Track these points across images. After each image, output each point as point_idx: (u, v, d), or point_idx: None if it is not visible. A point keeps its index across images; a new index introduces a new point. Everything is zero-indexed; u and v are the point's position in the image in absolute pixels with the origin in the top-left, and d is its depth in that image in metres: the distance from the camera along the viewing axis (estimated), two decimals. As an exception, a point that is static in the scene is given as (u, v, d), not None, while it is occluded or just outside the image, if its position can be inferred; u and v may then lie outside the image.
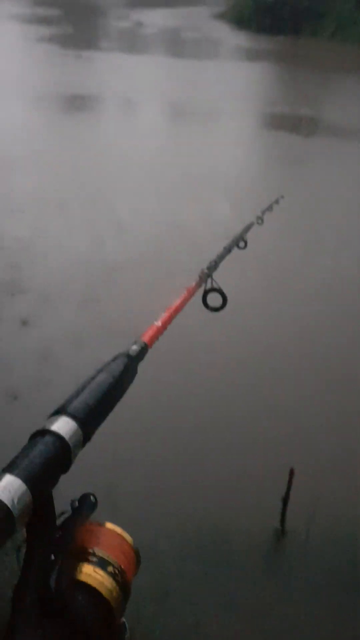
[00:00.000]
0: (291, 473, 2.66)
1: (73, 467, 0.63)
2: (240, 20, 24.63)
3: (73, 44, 17.16)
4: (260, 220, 2.15)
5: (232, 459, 3.11)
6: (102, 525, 0.69)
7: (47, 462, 0.60)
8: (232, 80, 14.09)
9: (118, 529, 0.70)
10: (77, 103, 10.93)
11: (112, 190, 6.77)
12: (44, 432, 0.62)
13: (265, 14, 23.30)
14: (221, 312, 1.26)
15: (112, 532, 0.69)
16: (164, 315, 1.01)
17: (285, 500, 2.69)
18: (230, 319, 2.91)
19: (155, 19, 25.60)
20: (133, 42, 18.92)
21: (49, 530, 0.62)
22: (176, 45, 19.41)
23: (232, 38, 21.67)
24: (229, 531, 2.71)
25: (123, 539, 0.69)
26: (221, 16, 27.42)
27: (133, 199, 6.53)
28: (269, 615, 2.43)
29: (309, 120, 10.62)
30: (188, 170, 7.50)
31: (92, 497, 0.69)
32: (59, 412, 0.66)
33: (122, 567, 0.66)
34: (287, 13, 22.82)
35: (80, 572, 0.63)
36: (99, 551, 0.66)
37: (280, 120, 10.61)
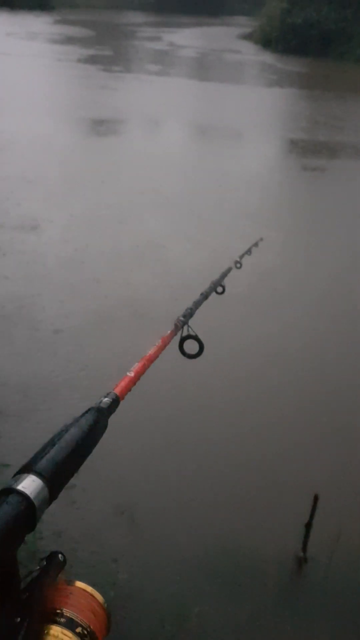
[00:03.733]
0: (315, 499, 2.61)
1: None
2: (267, 41, 24.92)
3: (112, 65, 17.33)
4: (238, 264, 2.12)
5: (254, 484, 3.05)
6: (71, 584, 0.67)
7: (11, 523, 0.58)
8: (259, 103, 14.16)
9: (88, 588, 0.67)
10: (110, 125, 11.00)
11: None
12: (9, 491, 0.61)
13: (292, 35, 23.52)
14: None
15: (82, 592, 0.67)
16: (137, 366, 0.99)
17: (308, 527, 2.63)
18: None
19: (186, 39, 25.95)
20: (166, 64, 19.04)
21: (13, 592, 0.60)
22: (207, 67, 19.51)
23: (259, 59, 21.79)
24: (249, 556, 2.64)
25: (93, 598, 0.66)
26: (248, 37, 27.76)
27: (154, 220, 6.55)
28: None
29: (332, 145, 10.60)
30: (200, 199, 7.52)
31: (60, 555, 0.67)
32: (25, 470, 0.64)
33: (92, 627, 0.63)
34: (314, 35, 23.00)
35: (48, 634, 0.61)
36: (68, 611, 0.63)
37: (305, 144, 10.60)
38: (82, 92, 13.62)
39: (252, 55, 22.79)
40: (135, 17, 34.95)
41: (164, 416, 3.41)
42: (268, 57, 22.12)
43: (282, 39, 23.90)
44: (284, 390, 3.82)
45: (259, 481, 3.06)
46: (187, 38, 26.73)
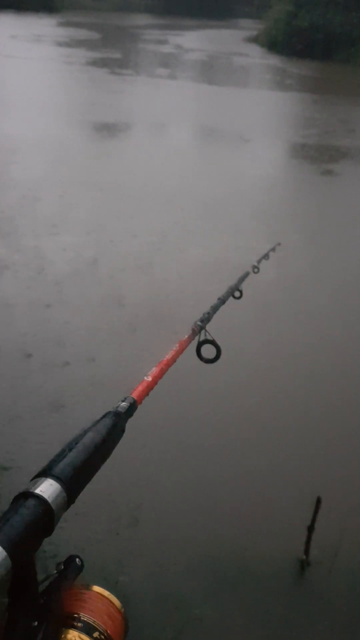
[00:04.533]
0: (318, 502, 2.59)
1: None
2: (273, 44, 24.97)
3: (121, 68, 17.30)
4: (256, 268, 2.12)
5: (256, 486, 3.04)
6: (88, 588, 0.67)
7: (29, 527, 0.58)
8: (271, 107, 14.15)
9: (105, 592, 0.67)
10: (121, 129, 10.98)
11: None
12: (27, 495, 0.61)
13: (298, 38, 23.56)
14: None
15: (99, 596, 0.67)
16: (155, 370, 0.99)
17: (310, 530, 2.62)
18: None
19: (193, 42, 26.02)
20: (176, 67, 19.00)
21: (31, 596, 0.60)
22: (216, 70, 19.44)
23: (269, 63, 21.80)
24: (251, 560, 2.63)
25: (110, 602, 0.66)
26: (254, 40, 27.80)
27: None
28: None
29: (346, 149, 10.56)
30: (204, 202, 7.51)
31: (77, 560, 0.67)
32: (43, 473, 0.64)
33: (109, 632, 0.63)
34: (320, 38, 23.02)
35: (65, 638, 0.61)
36: (85, 616, 0.63)
37: (309, 149, 10.58)
38: (93, 95, 13.56)
39: (261, 59, 22.76)
40: (140, 20, 35.02)
41: (168, 419, 3.40)
42: (277, 61, 22.11)
43: (287, 42, 23.93)
44: (287, 394, 3.81)
45: (261, 484, 3.05)
46: (194, 41, 26.76)
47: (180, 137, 10.93)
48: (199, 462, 3.15)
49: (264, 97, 15.30)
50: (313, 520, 2.60)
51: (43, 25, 26.68)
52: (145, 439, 3.13)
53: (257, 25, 30.37)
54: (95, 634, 0.62)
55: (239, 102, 14.51)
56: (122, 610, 0.67)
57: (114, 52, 20.66)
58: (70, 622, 0.62)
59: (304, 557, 2.64)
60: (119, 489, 2.88)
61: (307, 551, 2.64)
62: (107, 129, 10.73)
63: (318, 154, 10.05)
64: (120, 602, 0.67)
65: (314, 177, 8.87)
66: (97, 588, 0.67)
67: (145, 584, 2.47)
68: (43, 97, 12.75)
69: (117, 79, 15.57)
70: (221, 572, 2.57)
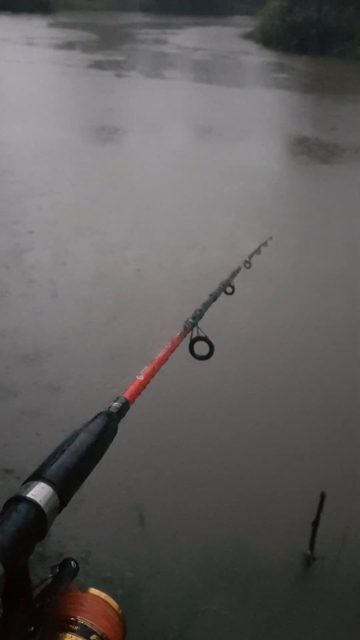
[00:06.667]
0: (322, 497, 2.61)
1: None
2: (268, 40, 24.95)
3: (124, 70, 17.19)
4: (248, 264, 2.11)
5: (261, 482, 3.05)
6: (85, 591, 0.66)
7: (21, 532, 0.58)
8: (263, 105, 14.07)
9: (102, 595, 0.67)
10: (132, 133, 10.91)
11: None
12: (19, 499, 0.60)
13: (293, 34, 23.51)
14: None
15: (96, 598, 0.66)
16: (147, 369, 0.98)
17: (315, 525, 2.63)
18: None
19: (191, 41, 25.97)
20: (179, 68, 18.89)
21: (26, 601, 0.60)
22: (220, 70, 19.24)
23: (261, 59, 21.70)
24: (256, 556, 2.64)
25: (107, 604, 0.66)
26: (249, 36, 27.75)
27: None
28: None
29: (332, 146, 10.52)
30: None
31: (72, 563, 0.67)
32: (34, 477, 0.64)
33: (107, 634, 0.63)
34: (315, 34, 22.96)
35: None
36: (82, 619, 0.62)
37: (304, 145, 10.53)
38: (99, 98, 13.33)
39: (258, 55, 22.65)
40: (135, 19, 34.94)
41: (171, 416, 3.42)
42: (274, 57, 22.00)
43: (283, 38, 23.89)
44: (289, 389, 3.82)
45: (265, 480, 3.06)
46: (192, 39, 26.71)
47: (192, 139, 10.84)
48: (201, 460, 3.16)
49: (266, 94, 15.23)
50: (318, 516, 2.61)
51: (39, 27, 26.59)
52: (144, 435, 3.15)
53: (251, 21, 30.31)
54: (93, 637, 0.61)
55: (242, 100, 14.40)
56: (120, 611, 0.66)
57: (114, 53, 20.52)
58: (67, 625, 0.62)
59: (309, 552, 2.65)
60: (121, 487, 2.90)
61: (312, 546, 2.65)
62: (120, 133, 10.62)
63: (321, 150, 9.99)
64: (118, 603, 0.67)
65: (317, 172, 8.85)
66: (93, 590, 0.67)
67: (150, 579, 2.49)
68: (52, 103, 12.60)
69: (124, 82, 15.42)
70: (227, 568, 2.58)
